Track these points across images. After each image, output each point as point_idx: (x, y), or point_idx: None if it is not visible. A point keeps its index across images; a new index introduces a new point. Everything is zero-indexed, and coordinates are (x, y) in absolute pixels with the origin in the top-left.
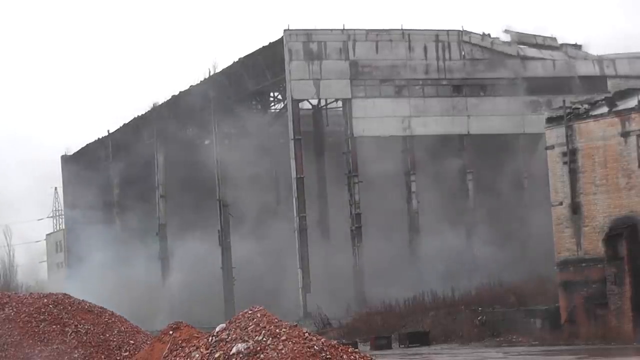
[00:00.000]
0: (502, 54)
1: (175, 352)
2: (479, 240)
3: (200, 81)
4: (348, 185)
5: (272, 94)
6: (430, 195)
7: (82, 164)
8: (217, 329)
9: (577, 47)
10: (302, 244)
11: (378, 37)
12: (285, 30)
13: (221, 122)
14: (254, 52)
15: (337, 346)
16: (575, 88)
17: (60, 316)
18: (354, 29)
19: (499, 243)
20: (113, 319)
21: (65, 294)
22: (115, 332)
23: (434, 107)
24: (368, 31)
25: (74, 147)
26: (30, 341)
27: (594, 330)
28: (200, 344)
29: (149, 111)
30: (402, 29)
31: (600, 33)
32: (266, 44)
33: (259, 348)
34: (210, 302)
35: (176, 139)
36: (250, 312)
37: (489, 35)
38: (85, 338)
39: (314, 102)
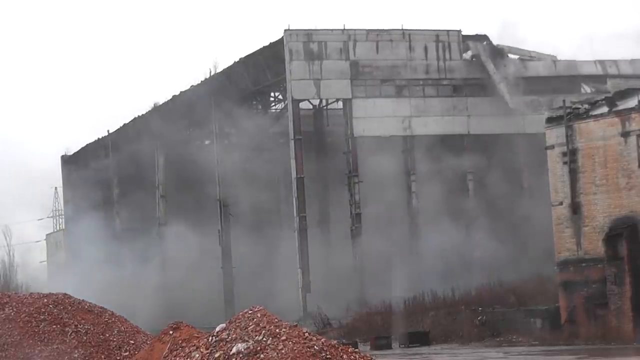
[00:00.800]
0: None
1: (175, 352)
2: (479, 240)
3: (201, 81)
4: (348, 185)
5: (272, 94)
6: (430, 195)
7: (82, 164)
8: (217, 329)
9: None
10: (302, 244)
11: (378, 37)
12: (285, 30)
13: (221, 122)
14: (255, 52)
15: (337, 346)
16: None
17: (60, 316)
18: (355, 29)
19: (499, 243)
20: (113, 319)
21: (65, 294)
22: (115, 332)
23: (434, 107)
24: (368, 31)
25: (74, 147)
26: (30, 341)
27: (594, 330)
28: (200, 344)
29: (149, 111)
30: (402, 29)
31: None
32: (266, 44)
33: (259, 348)
34: (210, 302)
35: (176, 139)
36: (250, 312)
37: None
38: (85, 338)
39: (315, 102)
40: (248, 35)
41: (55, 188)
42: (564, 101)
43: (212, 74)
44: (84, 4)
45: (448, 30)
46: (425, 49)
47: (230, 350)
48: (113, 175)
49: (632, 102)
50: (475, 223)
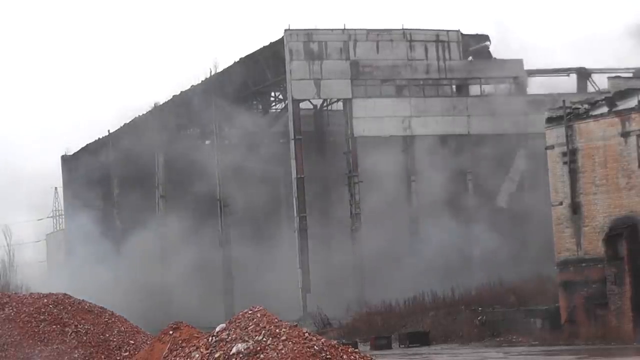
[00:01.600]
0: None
1: (175, 352)
2: (479, 239)
3: (201, 81)
4: (348, 185)
5: (272, 94)
6: (430, 195)
7: (82, 164)
8: (217, 329)
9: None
10: (302, 244)
11: (379, 37)
12: (285, 30)
13: (221, 122)
14: (255, 52)
15: (337, 346)
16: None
17: (60, 316)
18: (355, 29)
19: (499, 242)
20: (113, 319)
21: (65, 294)
22: (115, 332)
23: (434, 107)
24: (369, 31)
25: (74, 147)
26: (30, 341)
27: (594, 330)
28: (200, 344)
29: (149, 111)
30: (402, 29)
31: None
32: (267, 43)
33: (259, 348)
34: (210, 302)
35: (176, 139)
36: (250, 312)
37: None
38: (85, 338)
39: (315, 102)
40: (248, 35)
41: (55, 188)
42: (564, 101)
43: (212, 73)
44: (84, 4)
45: (448, 31)
46: (426, 48)
47: (230, 351)
48: (113, 175)
49: (632, 102)
50: (475, 222)
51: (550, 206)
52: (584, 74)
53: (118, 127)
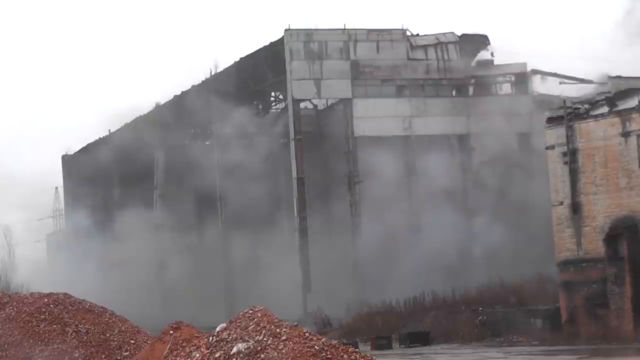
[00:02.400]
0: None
1: (175, 352)
2: (480, 239)
3: (202, 81)
4: (348, 185)
5: (273, 94)
6: (430, 194)
7: (82, 164)
8: (218, 329)
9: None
10: (303, 244)
11: (379, 37)
12: (286, 30)
13: (222, 122)
14: (255, 51)
15: (337, 346)
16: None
17: (61, 316)
18: (355, 29)
19: (499, 241)
20: (113, 318)
21: (65, 294)
22: (116, 331)
23: (434, 107)
24: (369, 31)
25: (74, 147)
26: (31, 341)
27: (595, 330)
28: (201, 344)
29: (150, 111)
30: (402, 29)
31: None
32: (267, 43)
33: (259, 348)
34: (210, 302)
35: (176, 139)
36: (250, 311)
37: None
38: (85, 338)
39: (315, 102)
40: (248, 35)
41: (56, 188)
42: (564, 101)
43: (212, 73)
44: (83, 4)
45: (445, 33)
46: (425, 49)
47: (231, 350)
48: (113, 175)
49: (632, 102)
50: (476, 221)
51: (550, 204)
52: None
53: (118, 127)
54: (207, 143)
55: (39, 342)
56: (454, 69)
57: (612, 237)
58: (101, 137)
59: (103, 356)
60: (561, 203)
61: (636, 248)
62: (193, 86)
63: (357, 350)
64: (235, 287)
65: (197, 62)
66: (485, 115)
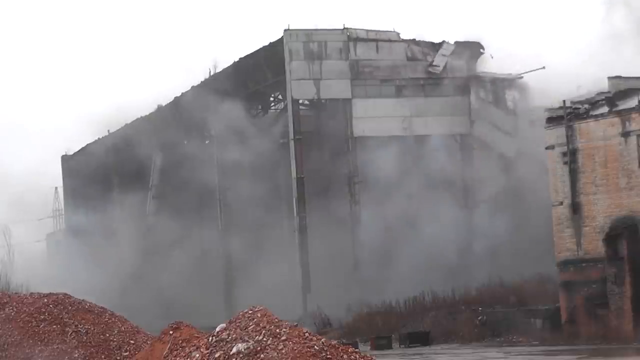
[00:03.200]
0: None
1: (175, 352)
2: (480, 240)
3: (201, 82)
4: (348, 185)
5: (272, 94)
6: (430, 194)
7: (82, 164)
8: (217, 329)
9: None
10: (302, 244)
11: (378, 36)
12: (285, 30)
13: (221, 122)
14: (255, 52)
15: (337, 346)
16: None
17: (61, 316)
18: (355, 29)
19: (500, 242)
20: (113, 318)
21: (65, 294)
22: (116, 332)
23: (434, 107)
24: (368, 31)
25: (74, 147)
26: (31, 341)
27: (595, 330)
28: (201, 344)
29: (150, 113)
30: (397, 33)
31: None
32: (266, 43)
33: (259, 348)
34: (210, 302)
35: (176, 138)
36: (250, 312)
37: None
38: (85, 338)
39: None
40: (248, 36)
41: (56, 188)
42: (564, 102)
43: (211, 73)
44: (83, 4)
45: (442, 43)
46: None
47: (231, 350)
48: (113, 175)
49: (632, 102)
50: (476, 221)
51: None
52: None
53: (118, 127)
54: (206, 143)
55: (39, 342)
56: (454, 69)
57: (612, 237)
58: (101, 137)
59: (103, 356)
60: (561, 203)
61: (636, 248)
62: (192, 87)
63: (357, 350)
64: (235, 287)
65: (196, 63)
66: (486, 115)
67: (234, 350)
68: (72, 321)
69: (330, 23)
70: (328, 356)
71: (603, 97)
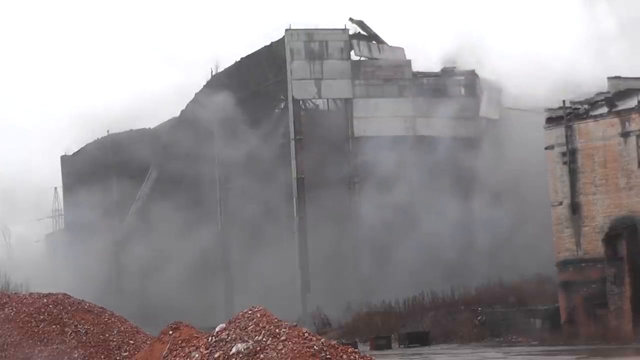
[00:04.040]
0: None
1: (175, 352)
2: (480, 239)
3: (203, 85)
4: (348, 185)
5: (273, 94)
6: (432, 194)
7: (81, 164)
8: (217, 329)
9: None
10: (302, 244)
11: (380, 36)
12: (286, 30)
13: (222, 122)
14: (256, 51)
15: (336, 346)
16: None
17: (60, 316)
18: (356, 29)
19: (500, 241)
20: (113, 319)
21: (65, 294)
22: (115, 332)
23: (437, 107)
24: (370, 30)
25: (74, 147)
26: (30, 341)
27: (594, 330)
28: (200, 344)
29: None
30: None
31: None
32: (268, 43)
33: (258, 348)
34: (210, 302)
35: (176, 138)
36: (250, 312)
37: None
38: (85, 338)
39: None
40: (249, 35)
41: (55, 188)
42: (563, 102)
43: (213, 73)
44: (84, 3)
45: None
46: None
47: (230, 351)
48: (113, 176)
49: (631, 103)
50: (477, 221)
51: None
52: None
53: (118, 127)
54: (207, 142)
55: (38, 343)
56: (458, 70)
57: (612, 237)
58: (100, 137)
59: (102, 356)
60: (560, 203)
61: (635, 248)
62: (196, 94)
63: (356, 350)
64: (235, 287)
65: (198, 62)
66: (487, 116)
67: (234, 350)
68: (71, 321)
69: (331, 23)
70: (327, 356)
71: (602, 98)
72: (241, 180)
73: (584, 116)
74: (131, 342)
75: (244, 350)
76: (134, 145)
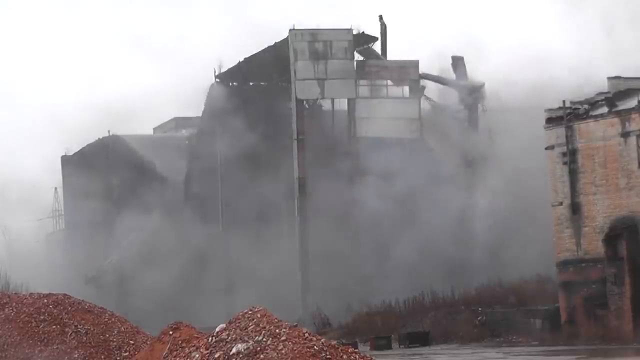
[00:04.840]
0: None
1: (175, 353)
2: (481, 239)
3: (209, 87)
4: (350, 185)
5: (277, 94)
6: (432, 194)
7: (82, 164)
8: (217, 329)
9: None
10: (303, 244)
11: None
12: (290, 30)
13: (224, 121)
14: (260, 51)
15: (337, 346)
16: None
17: (60, 316)
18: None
19: (500, 241)
20: (113, 319)
21: (65, 294)
22: (115, 332)
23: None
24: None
25: (74, 147)
26: (30, 341)
27: (594, 330)
28: (200, 344)
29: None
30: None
31: None
32: (271, 43)
33: (258, 348)
34: (210, 302)
35: (177, 138)
36: (250, 312)
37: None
38: (85, 338)
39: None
40: (253, 35)
41: (55, 188)
42: (563, 102)
43: (216, 73)
44: (86, 4)
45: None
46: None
47: (230, 351)
48: (113, 176)
49: (632, 103)
50: (477, 222)
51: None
52: None
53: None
54: (208, 142)
55: (39, 343)
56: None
57: (612, 237)
58: (101, 137)
59: (102, 357)
60: (561, 203)
61: (636, 248)
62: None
63: (356, 350)
64: (235, 287)
65: (201, 62)
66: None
67: (234, 350)
68: (71, 321)
69: (335, 23)
70: (328, 356)
71: (603, 98)
72: (242, 180)
73: (584, 116)
74: (131, 342)
75: (244, 350)
76: (134, 146)
